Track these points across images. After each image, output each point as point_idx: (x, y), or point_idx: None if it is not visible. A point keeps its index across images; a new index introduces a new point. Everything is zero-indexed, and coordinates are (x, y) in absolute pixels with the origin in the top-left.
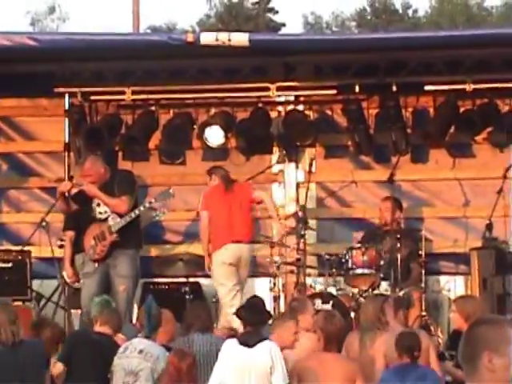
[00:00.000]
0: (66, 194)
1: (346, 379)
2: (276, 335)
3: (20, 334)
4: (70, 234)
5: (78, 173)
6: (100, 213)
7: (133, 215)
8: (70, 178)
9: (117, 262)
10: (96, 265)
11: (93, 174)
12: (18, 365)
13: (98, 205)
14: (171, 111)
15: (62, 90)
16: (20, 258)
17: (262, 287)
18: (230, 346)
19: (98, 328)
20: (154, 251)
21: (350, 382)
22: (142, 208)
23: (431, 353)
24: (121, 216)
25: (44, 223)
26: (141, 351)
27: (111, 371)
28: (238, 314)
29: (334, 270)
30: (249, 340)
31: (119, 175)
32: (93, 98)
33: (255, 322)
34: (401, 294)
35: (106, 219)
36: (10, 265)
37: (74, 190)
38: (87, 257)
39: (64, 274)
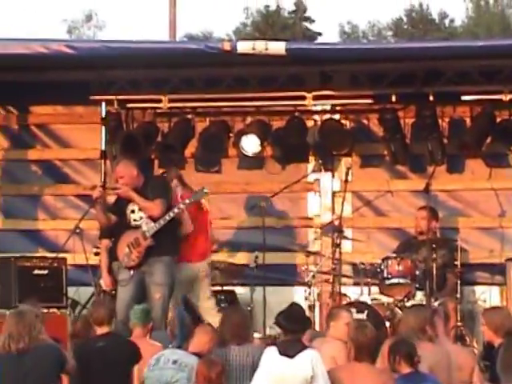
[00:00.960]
0: (101, 201)
1: None
2: None
3: (25, 342)
4: (106, 242)
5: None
6: (135, 220)
7: (167, 218)
8: (103, 185)
9: (153, 270)
10: (131, 272)
11: (125, 176)
12: (21, 372)
13: (133, 211)
14: (207, 119)
15: (98, 97)
16: (56, 265)
17: (296, 296)
18: (271, 356)
19: (99, 331)
20: None
21: None
22: (176, 210)
23: (475, 370)
24: (154, 220)
25: (78, 230)
26: (175, 362)
27: None
28: (277, 322)
29: (369, 280)
30: (289, 350)
31: (152, 180)
32: (129, 105)
33: (295, 330)
34: (436, 304)
35: (140, 226)
36: (45, 272)
37: (111, 199)
38: (121, 264)
39: (101, 281)
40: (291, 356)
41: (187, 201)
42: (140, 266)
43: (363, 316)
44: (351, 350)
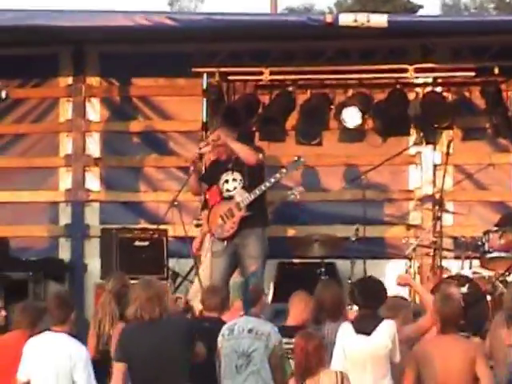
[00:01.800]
0: (196, 169)
1: (464, 360)
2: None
3: (156, 312)
4: (206, 213)
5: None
6: (227, 190)
7: (263, 188)
8: (200, 153)
9: (246, 242)
10: (225, 243)
11: (220, 144)
12: (155, 341)
13: (226, 181)
14: (308, 92)
15: (199, 69)
16: (157, 236)
17: (395, 269)
18: (347, 335)
19: (207, 314)
20: (289, 231)
21: (469, 363)
22: (272, 180)
23: None
24: (249, 191)
25: (176, 203)
26: (250, 330)
27: (217, 355)
28: (351, 296)
29: (470, 253)
30: (365, 327)
31: None
32: (230, 78)
33: (370, 306)
34: None
35: (232, 197)
36: (146, 243)
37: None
38: (215, 236)
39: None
40: (368, 333)
41: (284, 170)
42: (233, 238)
43: (464, 290)
44: (437, 323)
